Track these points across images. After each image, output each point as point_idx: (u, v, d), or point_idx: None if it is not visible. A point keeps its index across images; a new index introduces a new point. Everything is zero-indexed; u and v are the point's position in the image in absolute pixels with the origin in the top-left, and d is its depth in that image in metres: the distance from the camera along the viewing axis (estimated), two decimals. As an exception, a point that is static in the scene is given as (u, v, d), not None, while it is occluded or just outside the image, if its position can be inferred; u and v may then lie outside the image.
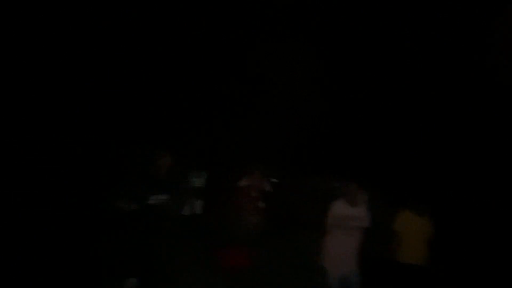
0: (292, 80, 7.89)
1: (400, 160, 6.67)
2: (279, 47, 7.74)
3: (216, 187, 5.36)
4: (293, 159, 6.82)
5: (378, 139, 7.17)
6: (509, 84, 5.96)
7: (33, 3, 6.56)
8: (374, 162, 6.57)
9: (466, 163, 6.14)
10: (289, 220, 4.75)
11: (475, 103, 6.31)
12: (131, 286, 3.20)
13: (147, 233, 3.22)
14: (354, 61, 7.70)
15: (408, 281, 3.81)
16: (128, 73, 7.56)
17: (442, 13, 6.72)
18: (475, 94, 6.33)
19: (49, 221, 4.71)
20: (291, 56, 7.81)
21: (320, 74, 7.78)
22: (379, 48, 7.39)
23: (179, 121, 8.33)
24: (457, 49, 6.70)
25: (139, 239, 3.23)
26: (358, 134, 7.53)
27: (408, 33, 7.05)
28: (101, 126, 7.03)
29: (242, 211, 3.23)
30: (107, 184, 4.97)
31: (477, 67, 6.33)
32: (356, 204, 3.52)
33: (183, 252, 4.04)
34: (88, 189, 5.30)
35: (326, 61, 7.75)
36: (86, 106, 7.07)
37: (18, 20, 6.46)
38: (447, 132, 6.55)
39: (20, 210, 4.81)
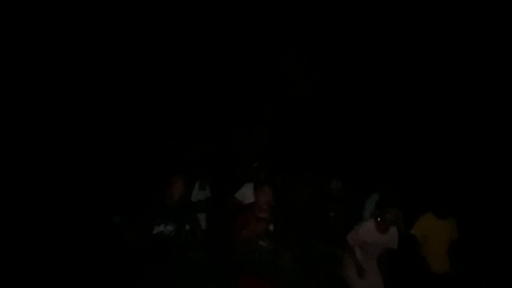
0: (303, 86, 7.72)
1: (422, 163, 6.46)
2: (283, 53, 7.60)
3: (222, 203, 5.19)
4: (305, 164, 6.64)
5: (397, 141, 6.98)
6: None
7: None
8: (394, 166, 6.38)
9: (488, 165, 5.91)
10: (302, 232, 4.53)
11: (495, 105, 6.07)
12: None
13: (162, 262, 3.05)
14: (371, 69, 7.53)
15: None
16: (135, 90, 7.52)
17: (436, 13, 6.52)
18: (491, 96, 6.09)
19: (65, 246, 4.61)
20: (298, 61, 7.65)
21: (336, 80, 7.62)
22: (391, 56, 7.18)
23: (179, 131, 8.21)
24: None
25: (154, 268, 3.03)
26: (378, 138, 7.35)
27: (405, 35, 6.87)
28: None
29: (252, 235, 2.94)
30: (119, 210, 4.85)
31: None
32: (387, 231, 3.24)
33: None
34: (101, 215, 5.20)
35: (338, 66, 7.60)
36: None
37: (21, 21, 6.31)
38: (471, 135, 6.32)
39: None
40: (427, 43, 6.74)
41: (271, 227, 2.99)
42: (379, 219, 3.25)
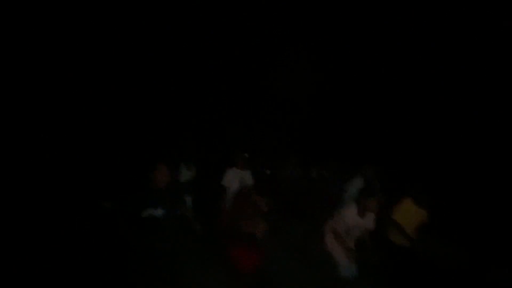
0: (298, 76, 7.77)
1: (401, 150, 6.75)
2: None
3: (209, 183, 5.26)
4: (295, 150, 6.80)
5: (381, 129, 7.23)
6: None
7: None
8: (376, 151, 6.63)
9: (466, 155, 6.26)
10: (290, 213, 4.73)
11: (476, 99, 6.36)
12: None
13: (150, 239, 3.09)
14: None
15: (401, 262, 3.82)
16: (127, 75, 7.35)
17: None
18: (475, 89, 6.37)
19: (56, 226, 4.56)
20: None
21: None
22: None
23: (170, 114, 8.12)
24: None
25: (142, 246, 3.09)
26: (363, 125, 7.56)
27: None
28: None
29: (244, 212, 3.10)
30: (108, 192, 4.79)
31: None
32: (366, 215, 3.44)
33: (190, 255, 4.00)
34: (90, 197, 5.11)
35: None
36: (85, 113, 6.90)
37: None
38: (449, 125, 6.63)
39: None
40: (416, 30, 6.90)
41: (261, 202, 3.17)
42: (361, 205, 3.45)
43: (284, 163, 5.61)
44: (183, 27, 7.62)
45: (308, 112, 8.29)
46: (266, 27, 7.69)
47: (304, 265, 3.93)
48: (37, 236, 4.29)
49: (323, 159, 5.53)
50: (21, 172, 5.52)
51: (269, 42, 7.91)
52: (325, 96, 8.14)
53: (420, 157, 6.56)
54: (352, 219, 3.45)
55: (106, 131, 6.94)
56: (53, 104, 6.60)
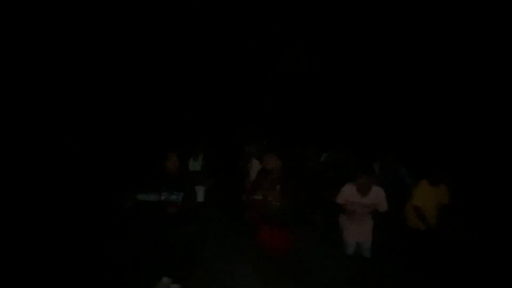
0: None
1: (417, 132, 6.70)
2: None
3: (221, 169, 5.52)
4: (306, 135, 6.89)
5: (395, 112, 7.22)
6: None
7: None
8: (393, 134, 6.62)
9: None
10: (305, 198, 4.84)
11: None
12: (165, 285, 3.30)
13: (171, 227, 3.32)
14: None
15: (417, 246, 3.89)
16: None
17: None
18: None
19: (75, 219, 4.91)
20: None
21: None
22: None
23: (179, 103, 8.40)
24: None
25: (165, 235, 3.32)
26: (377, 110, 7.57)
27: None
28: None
29: (264, 194, 3.29)
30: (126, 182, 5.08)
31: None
32: (368, 193, 3.49)
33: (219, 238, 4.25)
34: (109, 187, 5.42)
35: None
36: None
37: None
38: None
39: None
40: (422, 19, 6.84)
41: (278, 187, 3.34)
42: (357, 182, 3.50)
43: (302, 152, 5.74)
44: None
45: (328, 100, 8.33)
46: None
47: (327, 248, 4.10)
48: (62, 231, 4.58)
49: (340, 147, 5.62)
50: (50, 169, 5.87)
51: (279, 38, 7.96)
52: (348, 85, 8.15)
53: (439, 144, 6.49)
54: (353, 196, 3.50)
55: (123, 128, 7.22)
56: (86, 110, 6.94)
